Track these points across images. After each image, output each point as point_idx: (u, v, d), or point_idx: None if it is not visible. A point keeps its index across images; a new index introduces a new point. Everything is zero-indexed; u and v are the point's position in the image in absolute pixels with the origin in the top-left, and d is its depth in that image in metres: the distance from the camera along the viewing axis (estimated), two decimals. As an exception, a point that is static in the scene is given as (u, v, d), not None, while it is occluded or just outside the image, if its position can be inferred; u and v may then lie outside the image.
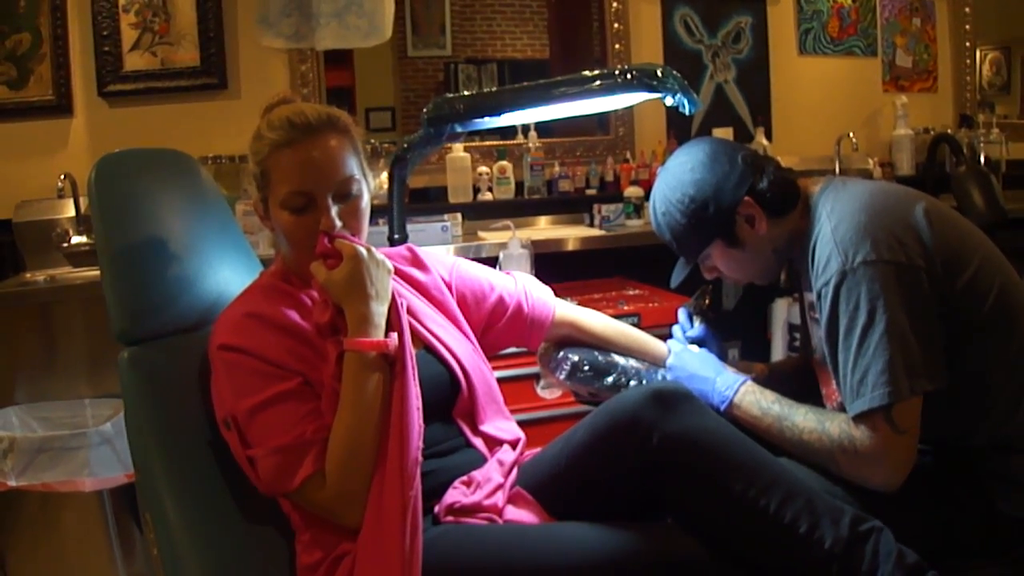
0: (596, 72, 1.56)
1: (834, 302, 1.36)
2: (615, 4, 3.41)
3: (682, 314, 1.72)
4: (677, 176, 1.54)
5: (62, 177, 2.76)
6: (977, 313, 1.38)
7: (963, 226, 1.46)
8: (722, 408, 1.50)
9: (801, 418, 1.41)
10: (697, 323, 1.70)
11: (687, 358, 1.61)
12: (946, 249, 1.37)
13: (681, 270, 1.63)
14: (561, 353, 1.60)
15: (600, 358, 1.59)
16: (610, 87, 1.54)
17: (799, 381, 1.64)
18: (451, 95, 1.68)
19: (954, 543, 1.36)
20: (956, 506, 1.38)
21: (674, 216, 1.54)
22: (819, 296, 1.40)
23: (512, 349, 1.71)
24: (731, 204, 1.50)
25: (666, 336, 1.70)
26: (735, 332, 2.28)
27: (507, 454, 1.45)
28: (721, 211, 1.50)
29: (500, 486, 1.37)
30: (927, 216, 1.39)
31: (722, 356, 1.65)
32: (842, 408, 1.38)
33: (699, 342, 1.67)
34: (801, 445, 1.40)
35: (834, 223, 1.40)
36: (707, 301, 1.72)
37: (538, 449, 1.50)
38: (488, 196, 3.19)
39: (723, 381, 1.52)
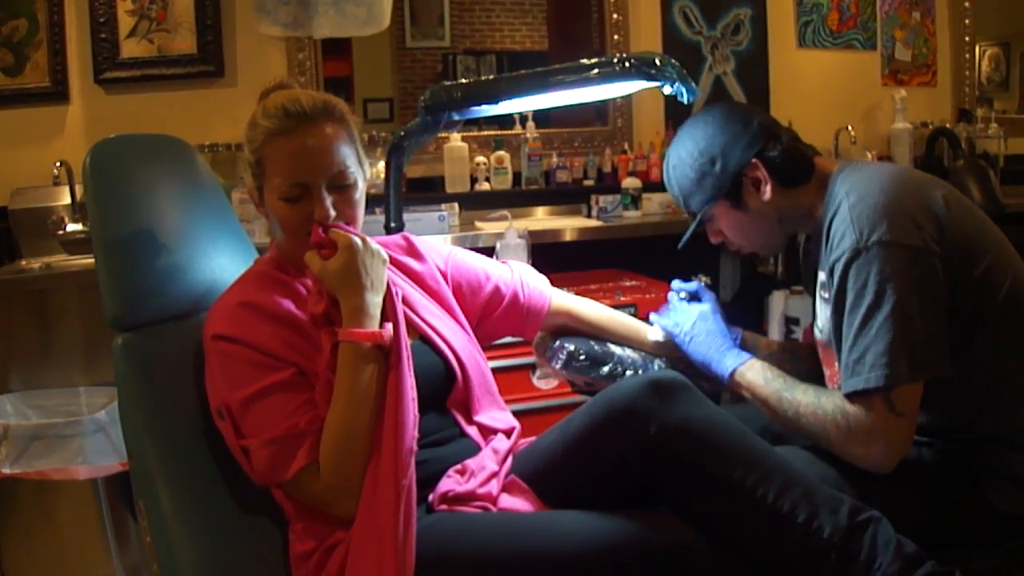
0: (594, 60, 1.55)
1: (843, 278, 1.34)
2: (614, -5, 3.40)
3: (676, 281, 1.73)
4: (692, 130, 1.56)
5: (58, 164, 2.75)
6: (989, 304, 1.37)
7: (979, 216, 1.45)
8: (725, 375, 1.50)
9: (800, 392, 1.40)
10: (696, 281, 1.70)
11: (701, 326, 1.60)
12: (963, 237, 1.36)
13: (688, 233, 1.64)
14: (557, 342, 1.60)
15: (596, 348, 1.59)
16: (608, 75, 1.53)
17: (808, 362, 1.65)
18: (448, 83, 1.67)
19: (946, 536, 1.35)
20: (950, 499, 1.38)
21: (683, 169, 1.56)
22: (830, 272, 1.38)
23: (508, 339, 1.71)
24: (738, 164, 1.51)
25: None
26: (731, 323, 2.28)
27: (502, 443, 1.45)
28: (727, 169, 1.51)
29: (494, 474, 1.37)
30: (946, 202, 1.38)
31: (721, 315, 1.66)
32: None
33: (695, 296, 1.68)
34: (796, 418, 1.39)
35: (852, 200, 1.38)
36: (706, 280, 1.71)
37: (533, 438, 1.49)
38: (486, 186, 3.18)
39: (732, 354, 1.53)
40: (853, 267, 1.33)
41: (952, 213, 1.37)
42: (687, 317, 1.62)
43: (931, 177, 1.48)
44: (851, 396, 1.32)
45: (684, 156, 1.55)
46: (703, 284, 1.69)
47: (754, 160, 1.50)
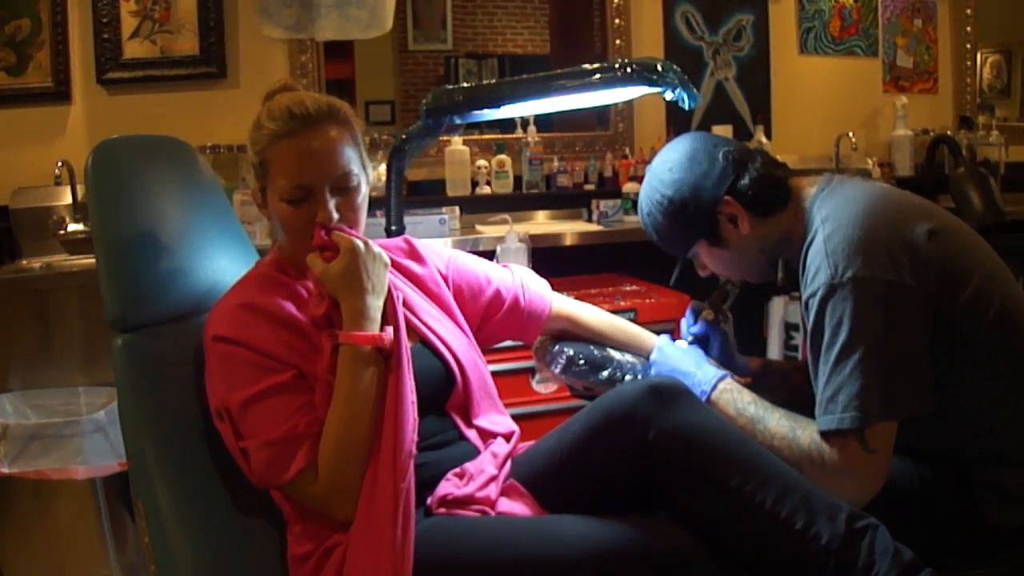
0: (596, 65, 1.56)
1: (819, 315, 1.33)
2: (616, 0, 3.41)
3: (689, 311, 1.71)
4: (658, 176, 1.53)
5: (59, 164, 2.75)
6: (976, 330, 1.35)
7: (967, 240, 1.42)
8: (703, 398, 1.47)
9: (774, 423, 1.39)
10: (701, 320, 1.68)
11: (669, 352, 1.59)
12: (944, 266, 1.34)
13: (676, 274, 1.63)
14: (557, 347, 1.60)
15: (596, 353, 1.59)
16: (610, 80, 1.54)
17: (799, 378, 1.63)
18: (450, 86, 1.68)
19: (942, 548, 1.34)
20: (946, 513, 1.37)
21: (656, 217, 1.54)
22: (806, 306, 1.37)
23: (508, 343, 1.71)
24: (710, 204, 1.48)
25: (662, 332, 1.70)
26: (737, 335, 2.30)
27: (501, 446, 1.45)
28: (701, 211, 1.49)
29: (493, 478, 1.37)
30: (929, 232, 1.35)
31: (727, 354, 1.64)
32: None
33: (701, 339, 1.66)
34: (771, 450, 1.36)
35: (827, 232, 1.36)
36: (724, 301, 1.70)
37: (532, 442, 1.49)
38: (486, 190, 3.19)
39: (702, 375, 1.50)
40: (829, 304, 1.31)
41: (933, 242, 1.34)
42: (661, 355, 1.60)
43: (914, 202, 1.45)
44: (825, 434, 1.31)
45: (655, 203, 1.53)
46: (710, 323, 1.67)
47: (726, 197, 1.48)
